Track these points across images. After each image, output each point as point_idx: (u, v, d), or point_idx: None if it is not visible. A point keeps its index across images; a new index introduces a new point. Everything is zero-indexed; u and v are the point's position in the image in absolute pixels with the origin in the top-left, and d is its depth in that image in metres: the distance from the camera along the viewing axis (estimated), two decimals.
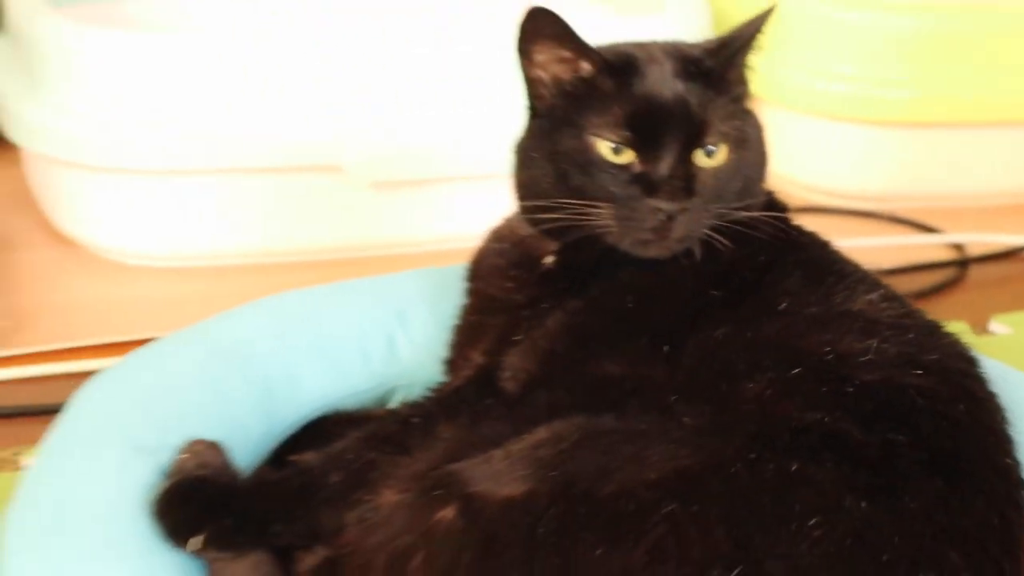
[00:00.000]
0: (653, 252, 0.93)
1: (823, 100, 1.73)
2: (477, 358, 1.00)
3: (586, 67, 0.94)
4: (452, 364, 1.04)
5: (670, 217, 0.91)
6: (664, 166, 0.92)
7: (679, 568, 0.75)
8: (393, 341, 1.10)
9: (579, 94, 0.95)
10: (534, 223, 0.99)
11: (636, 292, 0.92)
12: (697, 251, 0.93)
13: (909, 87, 1.70)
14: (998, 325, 1.46)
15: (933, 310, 1.52)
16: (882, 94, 1.70)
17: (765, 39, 0.97)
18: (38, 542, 0.86)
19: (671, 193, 0.91)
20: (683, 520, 0.76)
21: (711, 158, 0.93)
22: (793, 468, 0.78)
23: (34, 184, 1.61)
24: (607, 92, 0.94)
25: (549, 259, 1.00)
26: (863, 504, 0.77)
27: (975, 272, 1.63)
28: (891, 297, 0.93)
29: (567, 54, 0.94)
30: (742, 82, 0.97)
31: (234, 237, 1.51)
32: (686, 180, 0.92)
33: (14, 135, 1.54)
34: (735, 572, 0.74)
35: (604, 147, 0.93)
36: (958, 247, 1.66)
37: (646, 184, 0.92)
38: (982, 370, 0.91)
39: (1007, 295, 1.57)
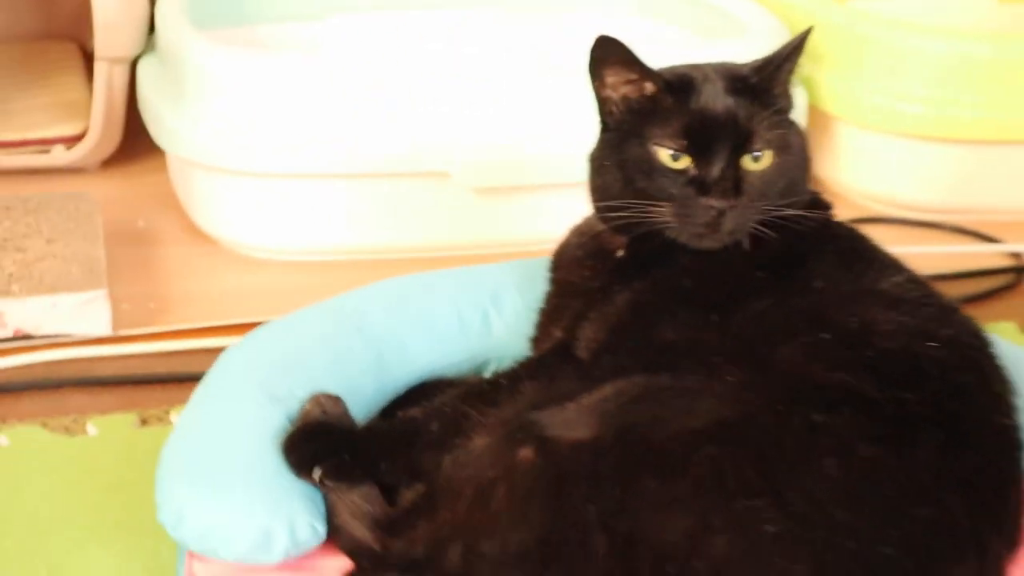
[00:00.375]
0: (707, 244, 1.08)
1: (895, 119, 1.85)
2: (557, 333, 1.16)
3: (649, 87, 1.09)
4: (536, 340, 1.21)
5: (720, 213, 1.06)
6: (715, 170, 1.07)
7: (715, 498, 0.90)
8: (487, 319, 1.27)
9: (643, 110, 1.10)
10: (607, 221, 1.15)
11: (691, 274, 1.07)
12: (746, 242, 1.08)
13: (973, 108, 1.82)
14: None
15: (989, 312, 1.66)
16: (949, 114, 1.82)
17: (806, 57, 1.11)
18: (187, 469, 1.04)
19: (721, 192, 1.06)
20: (721, 460, 0.91)
21: (757, 163, 1.08)
22: (815, 419, 0.93)
23: (177, 186, 1.81)
24: (667, 108, 1.09)
25: (620, 251, 1.16)
26: (874, 450, 0.92)
27: None
28: (915, 280, 1.07)
29: (633, 76, 1.10)
30: (785, 96, 1.12)
31: (351, 235, 1.69)
32: (735, 182, 1.07)
33: (161, 141, 1.74)
34: (761, 500, 0.89)
35: (664, 154, 1.08)
36: (1016, 256, 1.79)
37: (700, 185, 1.07)
38: (994, 348, 1.05)
39: None
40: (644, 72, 1.09)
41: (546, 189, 1.67)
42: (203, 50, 1.67)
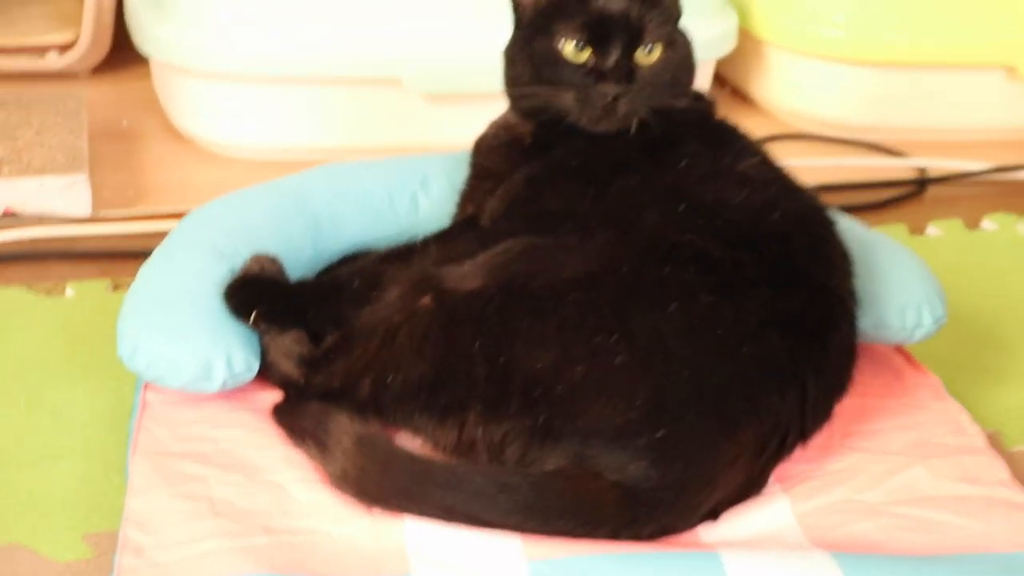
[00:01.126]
0: (603, 127, 1.24)
1: (818, 43, 2.00)
2: (469, 209, 1.33)
3: None
4: (455, 217, 1.38)
5: (615, 98, 1.22)
6: (611, 60, 1.22)
7: (576, 334, 1.08)
8: (416, 199, 1.44)
9: (550, 10, 1.26)
10: (518, 108, 1.31)
11: (578, 154, 1.23)
12: (634, 128, 1.24)
13: (888, 34, 1.97)
14: (932, 228, 1.75)
15: (892, 217, 1.82)
16: (866, 39, 1.97)
17: None
18: (142, 310, 1.22)
19: (616, 79, 1.22)
20: (583, 304, 1.09)
21: (648, 56, 1.23)
22: (665, 272, 1.10)
23: (159, 90, 1.97)
24: (571, 7, 1.24)
25: (528, 139, 1.32)
26: (711, 298, 1.09)
27: (932, 191, 1.91)
28: (768, 164, 1.24)
29: None
30: (675, 5, 1.27)
31: (311, 136, 1.85)
32: (628, 71, 1.22)
33: (143, 48, 1.90)
34: (613, 337, 1.07)
35: (568, 48, 1.24)
36: (920, 169, 1.95)
37: (598, 74, 1.22)
38: (834, 224, 1.22)
39: (956, 209, 1.85)
40: None
41: (493, 96, 1.82)
42: None
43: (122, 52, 2.09)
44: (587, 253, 1.13)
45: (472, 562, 1.03)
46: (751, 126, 2.09)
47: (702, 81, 1.99)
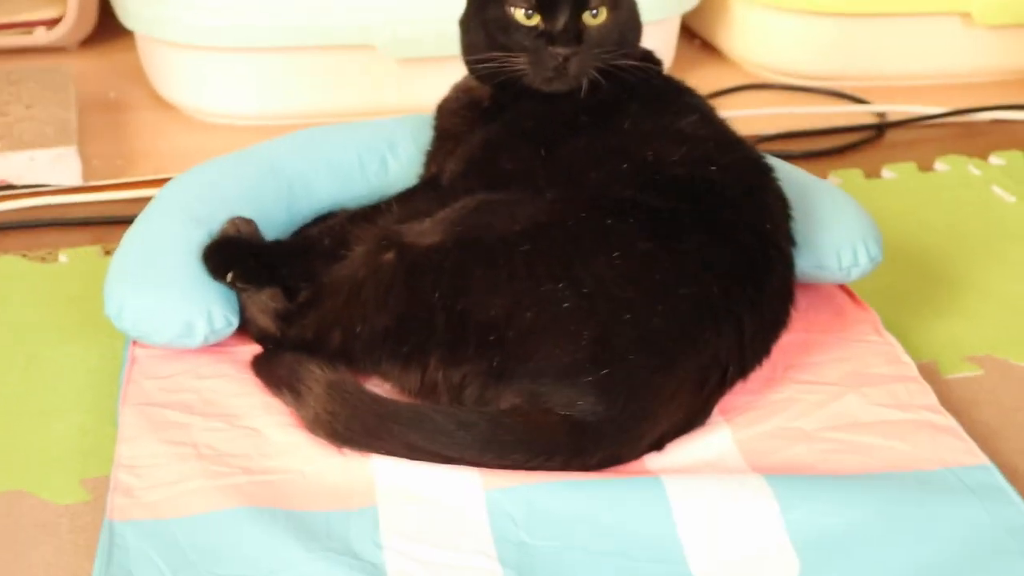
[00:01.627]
0: (556, 87, 1.31)
1: None
2: (432, 169, 1.42)
3: None
4: (421, 178, 1.46)
5: (566, 59, 1.30)
6: (560, 23, 1.30)
7: (526, 283, 1.16)
8: (385, 162, 1.51)
9: None
10: (475, 73, 1.39)
11: (532, 116, 1.32)
12: (585, 86, 1.32)
13: None
14: (888, 171, 1.83)
15: (851, 161, 1.89)
16: None
17: None
18: (127, 273, 1.31)
19: (565, 42, 1.29)
20: (532, 254, 1.17)
21: (595, 18, 1.31)
22: (608, 222, 1.18)
23: (143, 61, 2.05)
24: None
25: (486, 102, 1.40)
26: (650, 245, 1.17)
27: (891, 135, 1.98)
28: (709, 120, 1.32)
29: None
30: None
31: (290, 102, 1.93)
32: (576, 33, 1.30)
33: (126, 21, 1.98)
34: (560, 284, 1.15)
35: (519, 13, 1.31)
36: (879, 115, 2.02)
37: (548, 37, 1.30)
38: (771, 172, 1.30)
39: (913, 152, 1.92)
40: None
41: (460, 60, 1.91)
42: None
43: (107, 24, 2.17)
44: (536, 208, 1.21)
45: (434, 494, 1.12)
46: (720, 77, 2.19)
47: (669, 36, 2.07)
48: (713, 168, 1.25)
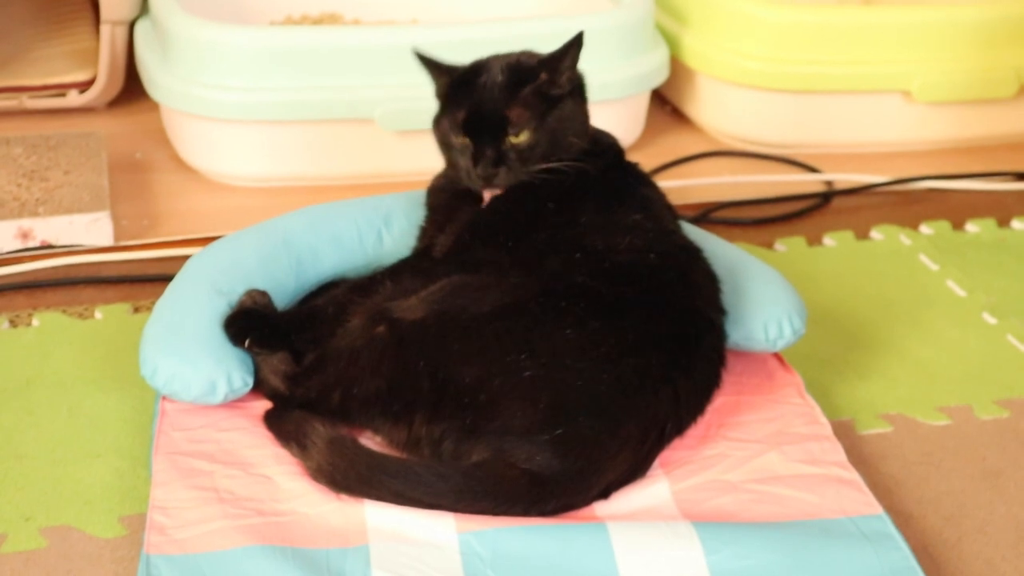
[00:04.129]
0: (488, 191, 1.55)
1: (742, 73, 2.28)
2: (424, 242, 1.64)
3: (444, 82, 1.57)
4: (414, 249, 1.68)
5: (488, 178, 1.52)
6: (484, 149, 1.52)
7: (494, 355, 1.38)
8: (380, 236, 1.73)
9: (444, 97, 1.58)
10: None
11: (500, 211, 1.55)
12: (539, 180, 1.52)
13: (802, 65, 2.26)
14: (828, 239, 2.05)
15: (795, 229, 2.10)
16: (783, 70, 2.26)
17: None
18: (159, 339, 1.53)
19: (484, 167, 1.52)
20: (500, 330, 1.40)
21: (518, 138, 1.52)
22: (561, 304, 1.41)
23: (167, 126, 2.26)
24: (455, 100, 1.55)
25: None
26: (598, 323, 1.40)
27: (837, 202, 2.19)
28: (653, 217, 1.53)
29: (436, 73, 1.58)
30: (569, 80, 1.54)
31: (298, 167, 2.15)
32: (497, 156, 1.51)
33: (151, 93, 2.20)
34: (523, 356, 1.37)
35: (451, 136, 1.55)
36: (828, 183, 2.24)
37: (474, 158, 1.53)
38: (701, 254, 1.53)
39: (855, 220, 2.13)
40: (440, 70, 1.57)
41: None
42: (180, 20, 2.11)
43: (134, 86, 2.37)
44: (501, 292, 1.44)
45: (416, 534, 1.34)
46: (687, 143, 2.42)
47: (640, 108, 2.29)
48: (652, 255, 1.48)
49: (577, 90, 1.57)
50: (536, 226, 1.51)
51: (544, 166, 1.52)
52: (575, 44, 1.54)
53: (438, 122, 1.58)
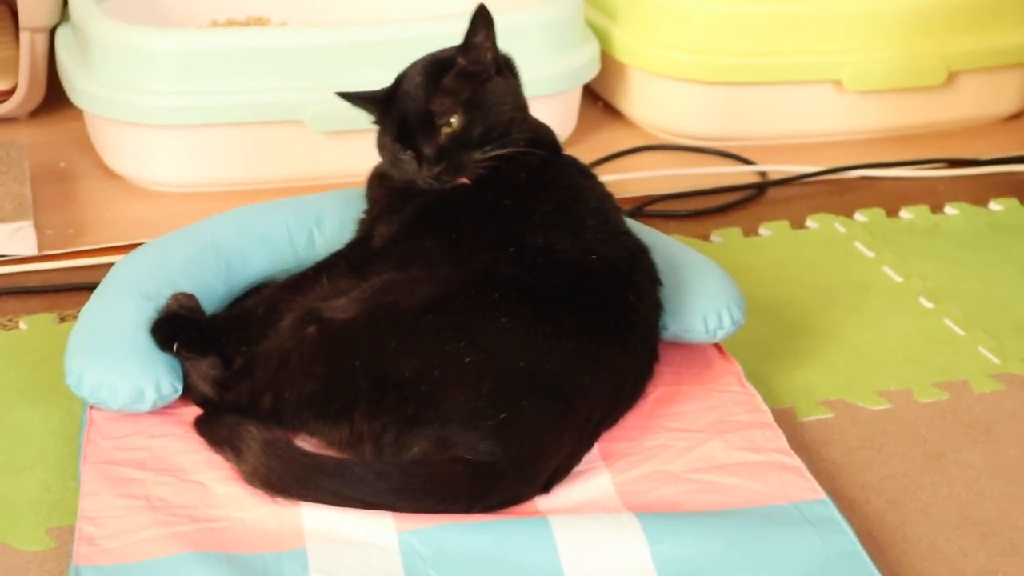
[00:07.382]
0: (439, 186, 1.52)
1: (674, 66, 2.27)
2: (361, 233, 1.60)
3: (374, 108, 1.57)
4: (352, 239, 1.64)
5: (436, 176, 1.51)
6: (423, 152, 1.51)
7: (431, 345, 1.37)
8: (312, 236, 1.69)
9: (380, 115, 1.57)
10: None
11: (431, 210, 1.52)
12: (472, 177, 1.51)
13: (734, 57, 2.24)
14: (764, 229, 2.05)
15: (731, 220, 2.10)
16: (715, 62, 2.25)
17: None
18: (84, 346, 1.49)
19: (428, 166, 1.51)
20: (434, 322, 1.38)
21: (450, 127, 1.51)
22: (495, 295, 1.40)
23: (90, 133, 2.21)
24: (387, 118, 1.55)
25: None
26: (531, 312, 1.39)
27: (771, 193, 2.19)
28: (596, 213, 1.52)
29: (366, 104, 1.58)
30: (493, 61, 1.53)
31: (227, 172, 2.10)
32: (436, 154, 1.50)
33: (73, 99, 2.15)
34: (461, 343, 1.36)
35: (395, 152, 1.54)
36: (762, 174, 2.24)
37: (417, 162, 1.52)
38: (647, 255, 1.52)
39: (789, 210, 2.14)
40: (367, 100, 1.58)
41: None
42: (101, 24, 2.07)
43: (56, 95, 2.31)
44: (433, 285, 1.42)
45: (354, 535, 1.31)
46: (620, 138, 2.40)
47: (572, 103, 2.28)
48: (593, 256, 1.47)
49: (506, 68, 1.56)
50: (470, 222, 1.49)
51: (493, 153, 1.51)
52: (479, 17, 1.52)
53: (381, 144, 1.57)
